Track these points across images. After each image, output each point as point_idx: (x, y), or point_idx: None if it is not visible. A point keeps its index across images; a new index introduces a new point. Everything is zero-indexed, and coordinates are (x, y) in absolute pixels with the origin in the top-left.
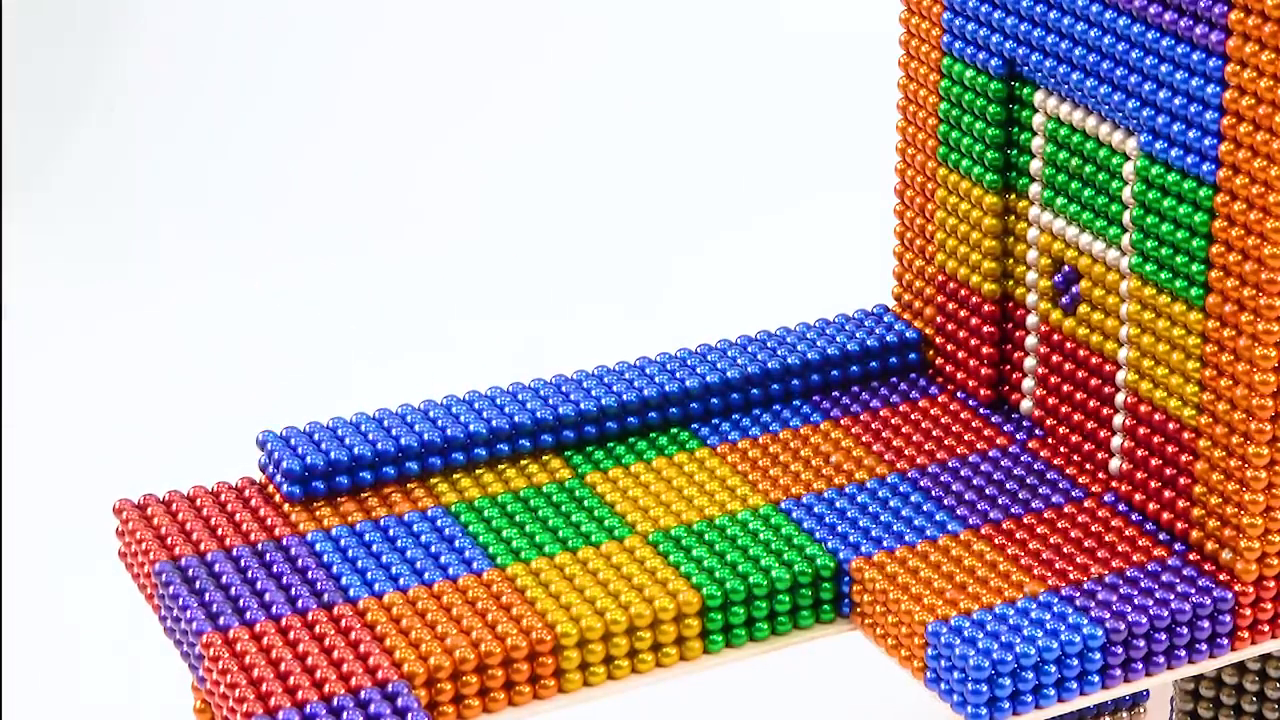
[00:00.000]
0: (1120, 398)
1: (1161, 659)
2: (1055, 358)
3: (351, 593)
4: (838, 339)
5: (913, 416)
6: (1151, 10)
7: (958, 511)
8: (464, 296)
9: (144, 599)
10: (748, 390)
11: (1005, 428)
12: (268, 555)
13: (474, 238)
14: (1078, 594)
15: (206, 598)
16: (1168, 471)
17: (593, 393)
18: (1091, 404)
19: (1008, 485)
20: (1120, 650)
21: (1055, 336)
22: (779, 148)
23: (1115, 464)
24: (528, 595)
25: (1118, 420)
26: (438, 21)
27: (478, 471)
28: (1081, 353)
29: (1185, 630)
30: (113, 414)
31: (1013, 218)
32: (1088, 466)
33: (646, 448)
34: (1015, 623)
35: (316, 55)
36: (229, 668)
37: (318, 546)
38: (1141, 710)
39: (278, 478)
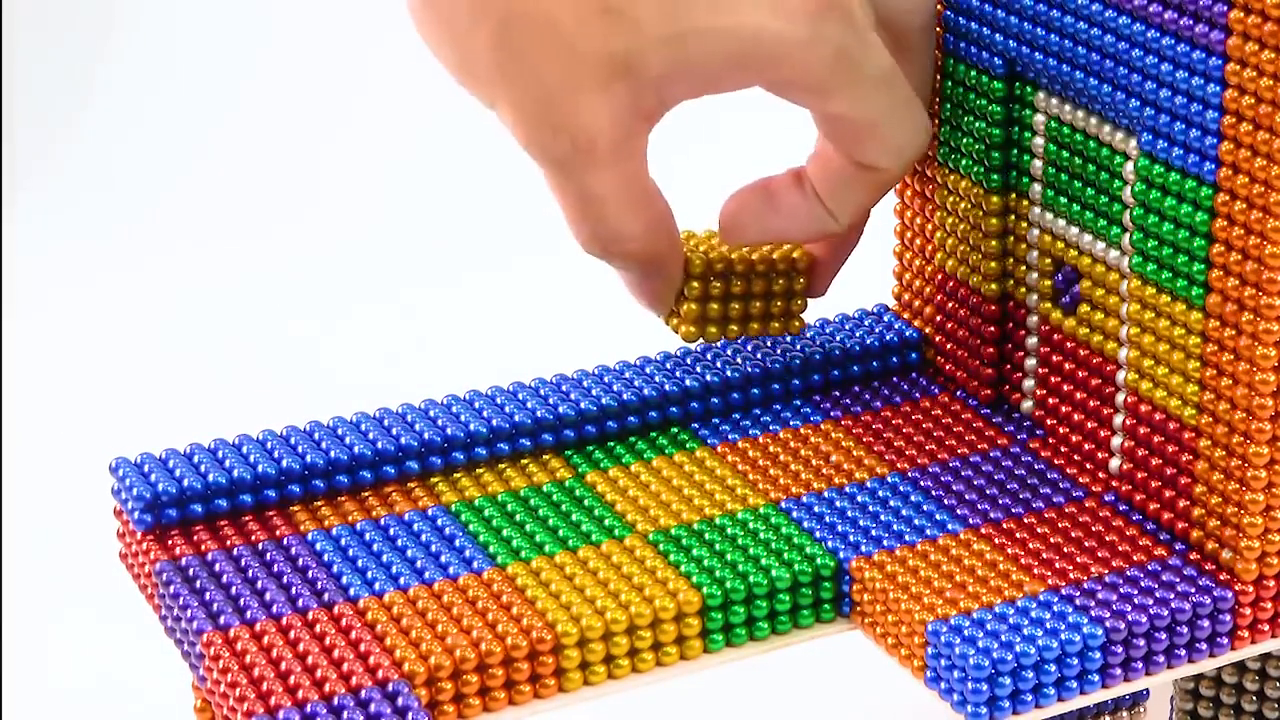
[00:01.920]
0: (1120, 397)
1: (1161, 658)
2: (1055, 357)
3: (352, 592)
4: (838, 339)
5: (913, 416)
6: (1152, 9)
7: (958, 511)
8: (465, 296)
9: (144, 599)
10: (748, 390)
11: (1005, 428)
12: (268, 555)
13: (476, 237)
14: (1078, 594)
15: (207, 597)
16: (1168, 471)
17: (593, 393)
18: (1092, 404)
19: (1008, 485)
20: (1120, 649)
21: (1056, 336)
22: (779, 148)
23: (1115, 464)
24: (528, 594)
25: (1118, 420)
26: None
27: (478, 471)
28: (1082, 352)
29: (1185, 630)
30: (113, 414)
31: (1013, 217)
32: (1088, 466)
33: (646, 448)
34: (1015, 622)
35: (321, 59)
36: (229, 667)
37: (318, 546)
38: (1141, 710)
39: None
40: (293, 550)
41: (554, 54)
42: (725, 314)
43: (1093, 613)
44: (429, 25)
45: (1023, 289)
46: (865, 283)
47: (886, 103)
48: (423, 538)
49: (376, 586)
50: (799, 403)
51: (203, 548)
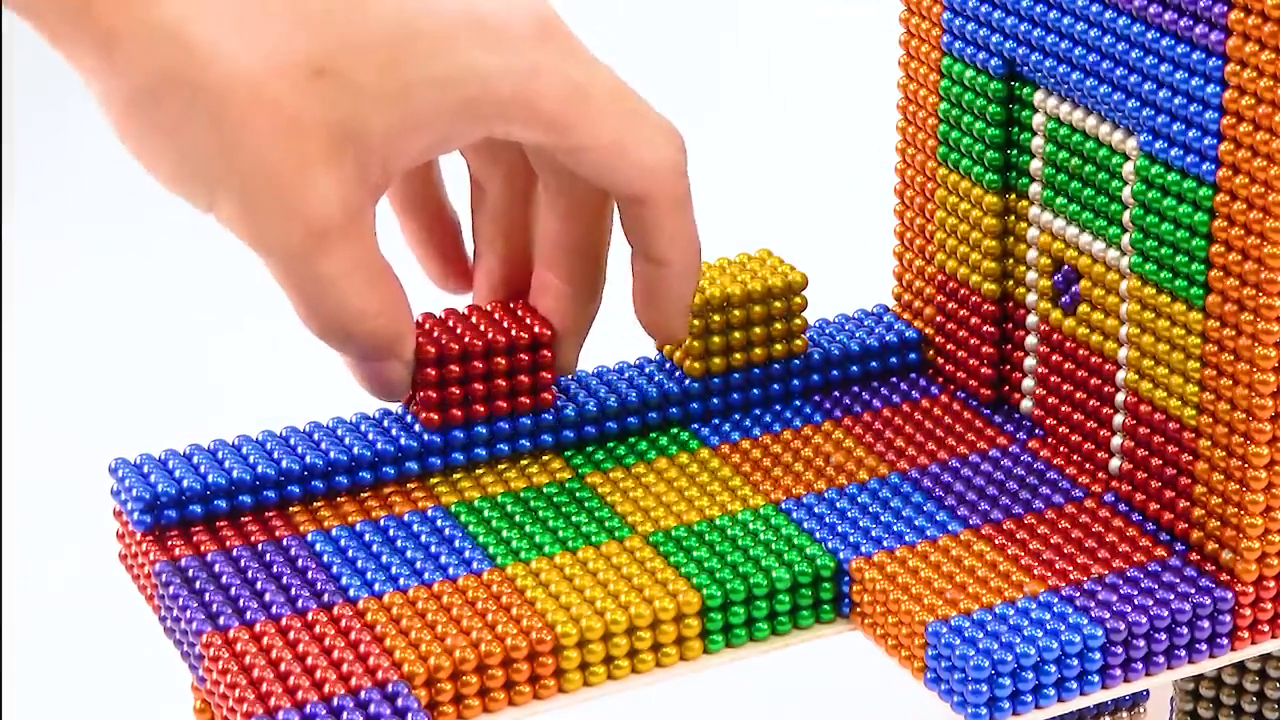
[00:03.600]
0: (1120, 397)
1: (1161, 659)
2: (1055, 357)
3: (351, 593)
4: (838, 339)
5: (913, 416)
6: (1151, 10)
7: (958, 511)
8: (465, 296)
9: (143, 600)
10: (748, 390)
11: (1005, 428)
12: (267, 556)
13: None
14: (1078, 594)
15: (206, 598)
16: (1168, 471)
17: (593, 393)
18: (1091, 404)
19: (1008, 485)
20: (1120, 650)
21: (1055, 336)
22: (778, 147)
23: (1115, 464)
24: (527, 595)
25: (1118, 420)
26: None
27: (478, 471)
28: (1081, 352)
29: (1185, 630)
30: (113, 414)
31: (1013, 218)
32: (1088, 466)
33: (647, 448)
34: (1015, 623)
35: None
36: (229, 668)
37: (317, 547)
38: (1141, 710)
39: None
40: (292, 551)
41: (276, 130)
42: (727, 344)
43: (1093, 613)
44: (139, 130)
45: (1022, 289)
46: (865, 283)
47: (625, 120)
48: (422, 539)
49: (376, 587)
50: (799, 403)
51: (202, 549)
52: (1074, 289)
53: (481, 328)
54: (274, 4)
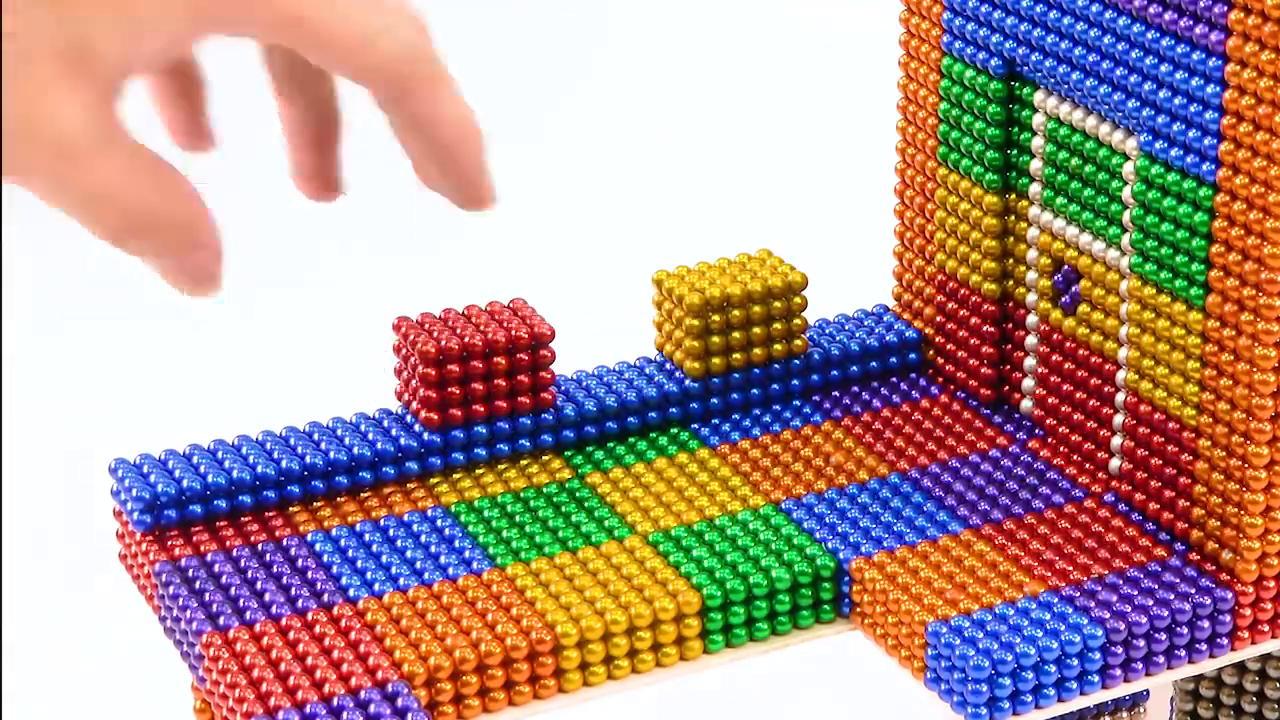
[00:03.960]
0: (1120, 397)
1: (1161, 659)
2: (1055, 357)
3: (351, 593)
4: (838, 339)
5: (913, 416)
6: (1151, 10)
7: (958, 511)
8: (464, 296)
9: (143, 600)
10: (748, 390)
11: (1005, 428)
12: (267, 555)
13: (473, 238)
14: (1078, 594)
15: (206, 598)
16: (1168, 471)
17: (593, 393)
18: (1091, 404)
19: (1008, 485)
20: (1120, 650)
21: (1055, 336)
22: (778, 147)
23: (1115, 464)
24: (527, 595)
25: (1118, 420)
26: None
27: (478, 471)
28: (1081, 352)
29: (1185, 630)
30: (113, 414)
31: (1013, 218)
32: (1088, 466)
33: (647, 448)
34: (1015, 623)
35: None
36: (229, 668)
37: (317, 547)
38: (1141, 710)
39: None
40: (292, 551)
41: (10, 61)
42: (727, 345)
43: (1093, 613)
44: None
45: (1022, 289)
46: (865, 283)
47: (363, 12)
48: (422, 539)
49: (376, 587)
50: (799, 403)
51: (202, 549)
52: (1074, 289)
53: (481, 327)
54: None
